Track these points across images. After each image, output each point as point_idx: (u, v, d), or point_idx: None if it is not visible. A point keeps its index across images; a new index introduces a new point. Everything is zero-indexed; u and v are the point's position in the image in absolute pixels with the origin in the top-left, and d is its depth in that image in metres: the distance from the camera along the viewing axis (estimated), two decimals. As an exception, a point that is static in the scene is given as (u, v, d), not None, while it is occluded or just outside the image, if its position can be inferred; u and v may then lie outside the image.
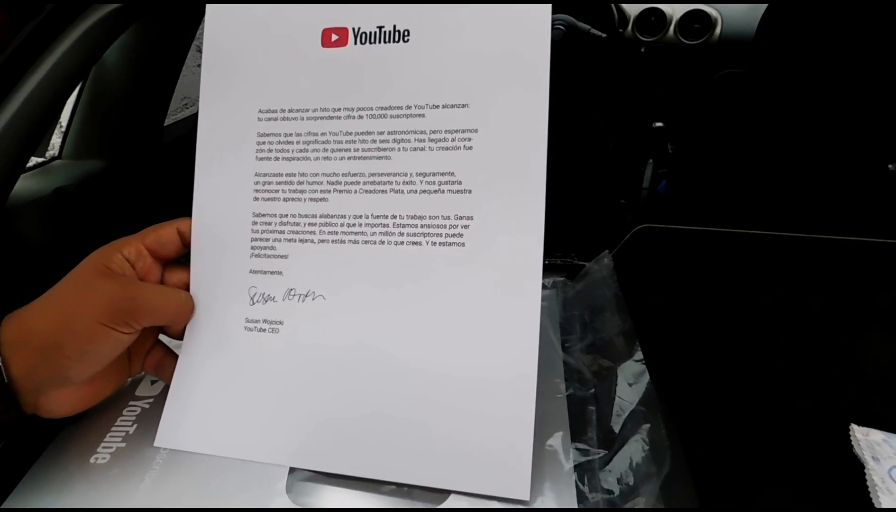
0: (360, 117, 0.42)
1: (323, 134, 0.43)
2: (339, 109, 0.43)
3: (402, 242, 0.41)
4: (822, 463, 0.45)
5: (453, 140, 0.41)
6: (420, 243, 0.40)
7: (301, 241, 0.43)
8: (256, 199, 0.44)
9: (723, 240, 0.66)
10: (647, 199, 1.63)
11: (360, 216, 0.42)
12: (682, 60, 1.59)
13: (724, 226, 0.67)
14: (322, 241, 0.42)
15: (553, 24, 1.47)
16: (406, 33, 0.42)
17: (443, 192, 0.40)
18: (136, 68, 0.90)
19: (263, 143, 0.44)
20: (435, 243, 0.40)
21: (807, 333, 0.57)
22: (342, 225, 0.42)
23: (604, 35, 1.50)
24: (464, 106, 0.41)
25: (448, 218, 0.40)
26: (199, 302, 0.44)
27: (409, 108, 0.41)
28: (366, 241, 0.41)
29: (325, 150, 0.43)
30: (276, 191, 0.43)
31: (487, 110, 0.40)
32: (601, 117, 1.68)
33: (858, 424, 0.46)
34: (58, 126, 0.92)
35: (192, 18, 0.90)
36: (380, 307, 0.41)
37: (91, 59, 0.63)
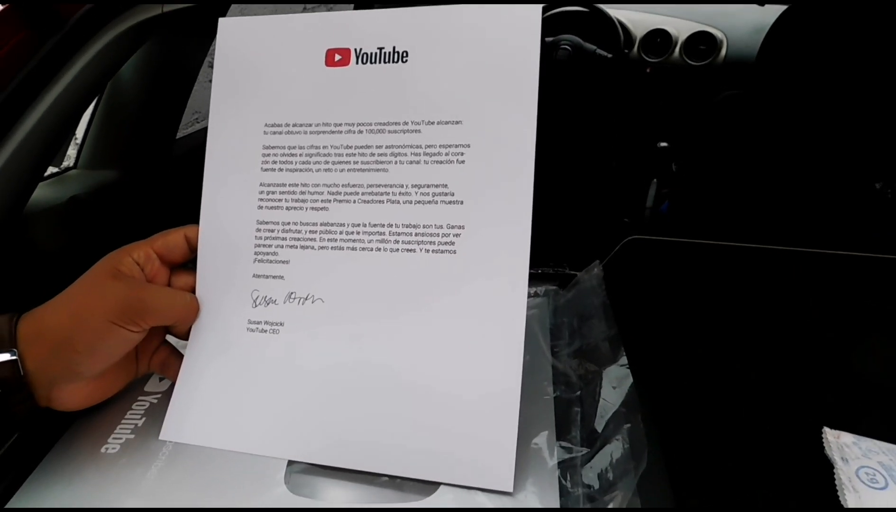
0: (360, 132, 0.45)
1: (325, 147, 0.45)
2: (341, 124, 0.45)
3: (397, 249, 0.43)
4: (794, 464, 0.46)
5: (447, 154, 0.43)
6: (414, 250, 0.43)
7: (302, 247, 0.45)
8: (261, 207, 0.46)
9: (711, 252, 0.68)
10: (650, 219, 1.64)
11: (359, 225, 0.44)
12: (687, 81, 1.60)
13: (720, 241, 0.69)
14: (322, 247, 0.45)
15: (559, 45, 1.50)
16: (405, 54, 0.45)
17: (436, 202, 0.43)
18: (150, 83, 0.93)
19: (269, 155, 0.46)
20: (428, 251, 0.43)
21: (785, 341, 0.59)
22: (341, 233, 0.44)
23: (609, 55, 1.51)
24: (457, 123, 0.43)
25: (441, 227, 0.43)
26: (204, 304, 0.46)
27: (406, 124, 0.44)
28: (363, 248, 0.44)
29: (327, 162, 0.45)
30: (280, 200, 0.46)
31: (479, 127, 0.43)
32: (606, 136, 1.70)
33: (832, 428, 0.48)
34: (73, 138, 0.95)
35: (204, 36, 0.93)
36: (375, 310, 0.43)
37: (107, 74, 0.66)
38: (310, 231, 0.45)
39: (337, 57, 0.46)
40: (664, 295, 0.65)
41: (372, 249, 0.44)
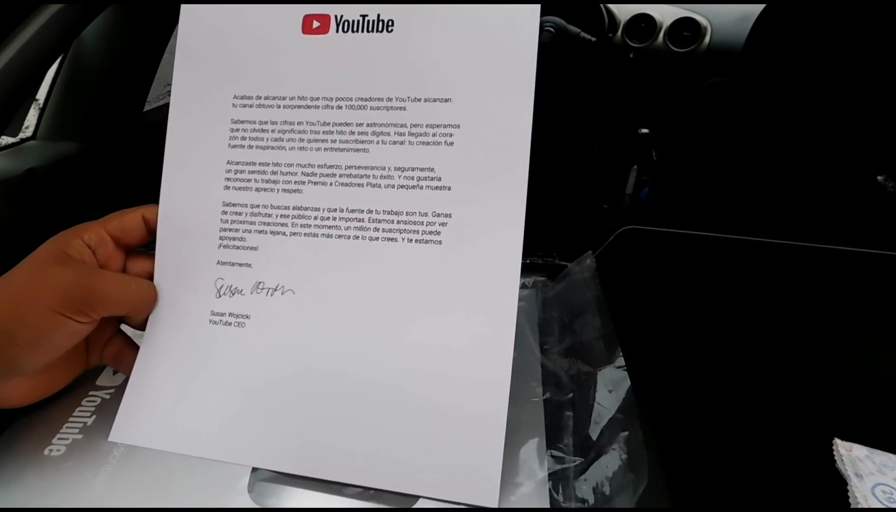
0: (339, 107, 0.41)
1: (299, 123, 0.41)
2: (318, 98, 0.41)
3: (377, 238, 0.39)
4: (803, 478, 0.44)
5: (434, 135, 0.39)
6: (395, 240, 0.39)
7: (272, 233, 0.41)
8: (227, 187, 0.42)
9: (709, 245, 0.65)
10: (629, 205, 1.63)
11: (335, 210, 0.40)
12: (670, 68, 1.59)
13: (717, 233, 0.66)
14: (294, 233, 0.41)
15: (542, 27, 1.47)
16: (390, 23, 0.41)
17: (421, 188, 0.39)
18: (116, 50, 0.88)
19: (237, 130, 0.42)
20: (411, 240, 0.39)
21: (793, 341, 0.57)
22: (315, 218, 0.40)
23: (593, 39, 1.49)
24: (446, 100, 0.39)
25: (426, 215, 0.39)
26: (163, 292, 0.42)
27: (389, 100, 0.40)
28: (339, 236, 0.40)
29: (301, 140, 0.41)
30: (249, 180, 0.42)
31: (471, 106, 0.39)
32: (587, 121, 1.68)
33: (843, 437, 0.45)
34: (35, 103, 0.90)
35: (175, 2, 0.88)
36: (351, 304, 0.39)
37: (66, 39, 0.61)
38: (281, 215, 0.41)
39: (315, 24, 0.42)
40: (663, 291, 0.62)
41: (349, 238, 0.40)
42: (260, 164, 0.42)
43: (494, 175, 0.38)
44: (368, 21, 0.41)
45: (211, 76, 0.43)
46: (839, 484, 0.42)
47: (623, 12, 1.57)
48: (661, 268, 0.65)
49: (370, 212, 0.40)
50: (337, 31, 0.41)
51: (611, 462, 0.37)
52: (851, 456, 0.43)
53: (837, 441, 0.45)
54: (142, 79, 0.95)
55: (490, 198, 0.38)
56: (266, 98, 0.42)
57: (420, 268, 0.39)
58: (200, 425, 0.39)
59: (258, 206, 0.41)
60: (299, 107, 0.41)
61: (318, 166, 0.41)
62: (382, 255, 0.39)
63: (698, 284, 0.63)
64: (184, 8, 0.44)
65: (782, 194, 1.18)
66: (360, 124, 0.40)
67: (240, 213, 0.42)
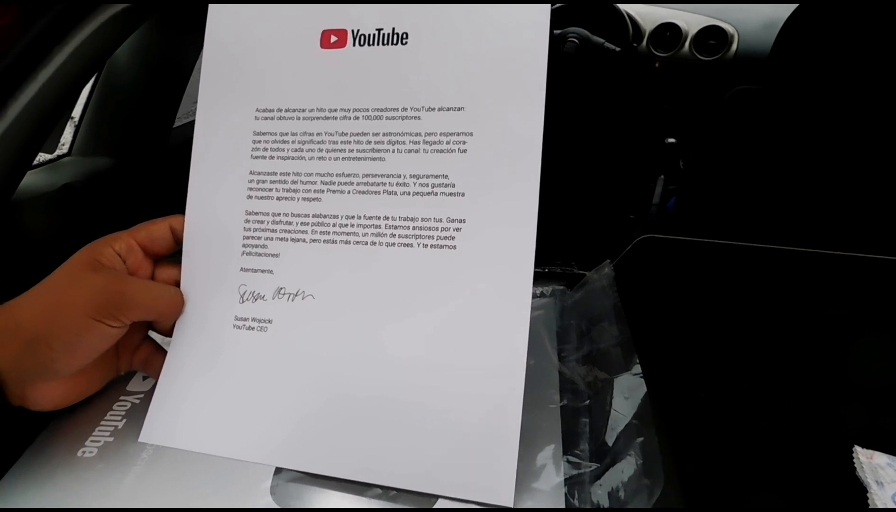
0: (356, 118, 0.42)
1: (318, 134, 0.43)
2: (336, 110, 0.43)
3: (393, 244, 0.40)
4: (822, 486, 0.44)
5: (448, 143, 0.40)
6: (411, 245, 0.40)
7: (293, 240, 0.42)
8: (250, 197, 0.43)
9: (728, 253, 0.65)
10: (657, 215, 1.62)
11: (353, 217, 0.41)
12: (696, 77, 1.58)
13: (736, 241, 0.66)
14: (314, 240, 0.42)
15: (567, 37, 1.47)
16: (405, 36, 0.42)
17: (436, 194, 0.40)
18: (147, 69, 0.91)
19: (259, 141, 0.44)
20: (426, 245, 0.40)
21: (811, 349, 0.56)
22: (334, 225, 0.42)
23: (618, 49, 1.49)
24: (459, 109, 0.41)
25: (440, 220, 0.40)
26: (189, 299, 0.43)
27: (404, 110, 0.41)
28: (357, 242, 0.41)
29: (320, 150, 0.42)
30: (270, 189, 0.43)
31: (483, 114, 0.40)
32: (613, 131, 1.68)
33: (863, 444, 0.45)
34: (70, 120, 0.93)
35: (204, 21, 0.90)
36: (369, 308, 0.40)
37: (99, 60, 0.63)
38: (301, 223, 0.42)
39: (333, 38, 0.43)
40: (680, 298, 0.62)
41: (367, 243, 0.41)
42: (281, 174, 0.43)
43: (507, 180, 0.39)
44: (384, 35, 0.42)
45: (234, 91, 0.45)
46: (859, 491, 0.42)
47: (648, 21, 1.55)
48: (678, 275, 0.65)
49: (387, 218, 0.41)
50: (354, 45, 0.43)
51: (626, 468, 0.37)
52: (872, 464, 0.43)
53: (858, 449, 0.45)
54: (172, 96, 0.97)
55: (503, 203, 0.39)
56: (286, 110, 0.44)
57: (435, 272, 0.40)
58: (225, 427, 0.41)
59: (279, 214, 0.43)
60: (318, 118, 0.43)
61: (337, 175, 0.42)
62: (399, 260, 0.40)
63: (716, 292, 0.63)
64: (211, 13, 0.45)
65: (811, 203, 1.16)
66: (377, 134, 0.42)
67: (262, 222, 0.43)
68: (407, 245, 0.40)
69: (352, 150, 0.42)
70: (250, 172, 0.44)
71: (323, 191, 0.42)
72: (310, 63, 0.43)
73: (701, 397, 0.51)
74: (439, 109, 0.41)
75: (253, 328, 0.42)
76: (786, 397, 0.52)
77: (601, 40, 1.49)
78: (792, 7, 1.10)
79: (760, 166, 1.25)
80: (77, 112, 0.93)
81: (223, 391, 0.42)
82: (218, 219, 0.44)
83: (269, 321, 0.42)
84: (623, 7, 1.52)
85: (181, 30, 0.91)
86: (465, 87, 0.41)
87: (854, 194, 1.11)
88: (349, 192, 0.42)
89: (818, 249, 0.62)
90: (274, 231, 0.43)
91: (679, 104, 1.63)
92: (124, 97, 0.92)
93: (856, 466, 0.44)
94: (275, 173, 0.43)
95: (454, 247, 0.40)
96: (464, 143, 0.40)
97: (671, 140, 1.63)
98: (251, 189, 0.43)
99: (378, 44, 0.42)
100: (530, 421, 0.38)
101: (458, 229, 0.40)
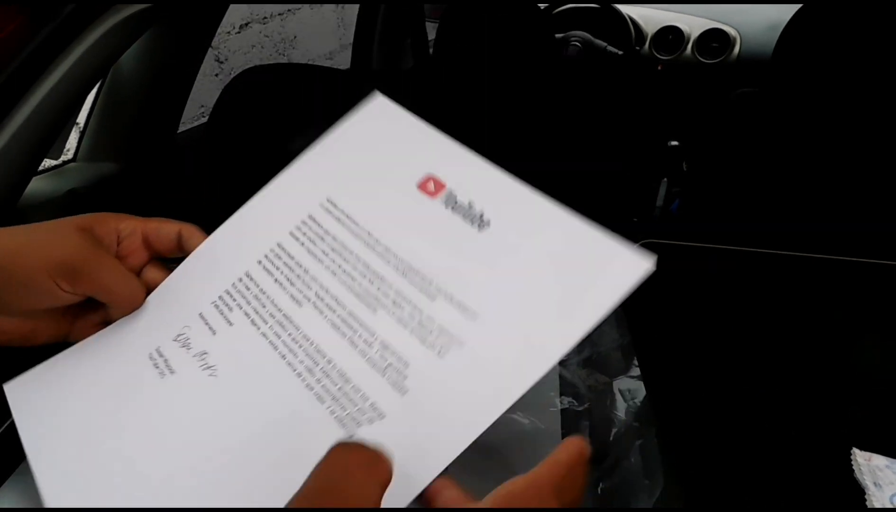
0: (388, 261, 0.39)
1: (351, 252, 0.40)
2: (381, 243, 0.40)
3: (312, 389, 0.36)
4: (821, 487, 0.44)
5: (437, 337, 0.36)
6: (324, 400, 0.36)
7: (252, 323, 0.40)
8: (259, 262, 0.42)
9: (729, 257, 0.65)
10: (660, 218, 1.62)
11: (309, 340, 0.38)
12: (699, 79, 1.58)
13: (736, 246, 0.66)
14: (264, 334, 0.39)
15: (569, 41, 1.48)
16: (487, 223, 0.39)
17: (384, 375, 0.36)
18: (152, 74, 0.91)
19: (306, 223, 0.42)
20: (334, 415, 0.35)
21: (810, 352, 0.56)
22: (290, 335, 0.39)
23: (620, 52, 1.50)
24: (474, 314, 0.36)
25: (367, 401, 0.35)
26: (146, 307, 0.42)
27: (430, 283, 0.38)
28: (289, 364, 0.38)
29: (340, 266, 0.40)
30: (277, 268, 0.41)
31: (488, 334, 0.35)
32: (616, 134, 1.68)
33: (862, 447, 0.45)
34: (75, 126, 0.93)
35: (208, 25, 0.91)
36: (241, 438, 0.36)
37: (104, 65, 0.64)
38: (270, 314, 0.40)
39: (431, 186, 0.41)
40: (681, 302, 0.63)
41: (296, 371, 0.37)
42: (296, 262, 0.41)
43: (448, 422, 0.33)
44: (472, 213, 0.40)
45: (325, 170, 0.44)
46: (857, 493, 0.42)
47: (650, 25, 1.56)
48: (679, 280, 0.65)
49: (329, 361, 0.37)
50: (445, 205, 0.41)
51: (627, 469, 0.38)
52: (871, 465, 0.43)
53: (856, 451, 0.45)
54: (176, 101, 0.97)
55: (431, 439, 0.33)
56: (346, 215, 0.42)
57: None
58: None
59: (265, 294, 0.41)
60: (360, 238, 0.41)
61: (331, 297, 0.40)
62: (316, 423, 0.35)
63: (717, 296, 0.63)
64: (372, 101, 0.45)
65: (813, 204, 1.16)
66: (391, 286, 0.39)
67: (248, 289, 0.41)
68: (319, 398, 0.36)
69: (360, 285, 0.39)
70: (277, 244, 0.42)
71: (310, 299, 0.40)
72: (398, 193, 0.42)
73: (700, 399, 0.51)
74: (456, 302, 0.37)
75: (158, 366, 0.40)
76: (785, 399, 0.52)
77: (604, 44, 1.50)
78: (794, 9, 1.10)
79: (763, 168, 1.25)
80: (82, 118, 0.94)
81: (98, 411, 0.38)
82: (224, 259, 0.43)
83: (173, 372, 0.39)
84: (625, 10, 1.52)
85: (186, 34, 0.91)
86: (499, 298, 0.36)
87: (856, 196, 1.11)
88: (326, 316, 0.39)
89: (818, 254, 0.63)
90: (248, 303, 0.41)
91: (682, 107, 1.64)
92: (129, 102, 0.92)
93: (854, 467, 0.44)
94: (292, 258, 0.42)
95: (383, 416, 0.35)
96: (446, 347, 0.35)
97: (674, 143, 1.63)
98: (266, 258, 0.42)
99: (462, 215, 0.40)
100: (531, 424, 0.38)
101: (373, 420, 0.34)
